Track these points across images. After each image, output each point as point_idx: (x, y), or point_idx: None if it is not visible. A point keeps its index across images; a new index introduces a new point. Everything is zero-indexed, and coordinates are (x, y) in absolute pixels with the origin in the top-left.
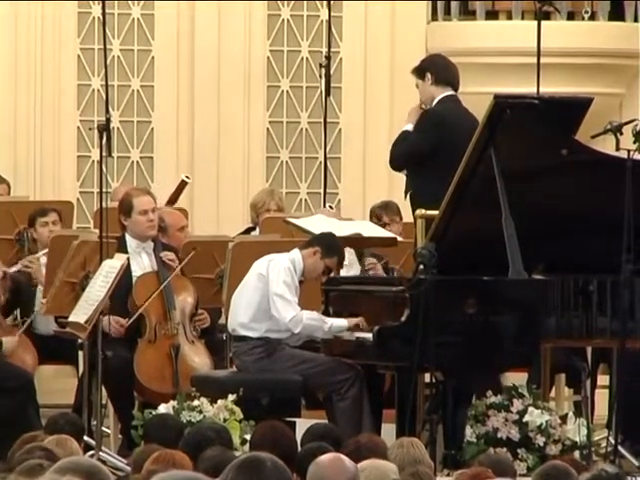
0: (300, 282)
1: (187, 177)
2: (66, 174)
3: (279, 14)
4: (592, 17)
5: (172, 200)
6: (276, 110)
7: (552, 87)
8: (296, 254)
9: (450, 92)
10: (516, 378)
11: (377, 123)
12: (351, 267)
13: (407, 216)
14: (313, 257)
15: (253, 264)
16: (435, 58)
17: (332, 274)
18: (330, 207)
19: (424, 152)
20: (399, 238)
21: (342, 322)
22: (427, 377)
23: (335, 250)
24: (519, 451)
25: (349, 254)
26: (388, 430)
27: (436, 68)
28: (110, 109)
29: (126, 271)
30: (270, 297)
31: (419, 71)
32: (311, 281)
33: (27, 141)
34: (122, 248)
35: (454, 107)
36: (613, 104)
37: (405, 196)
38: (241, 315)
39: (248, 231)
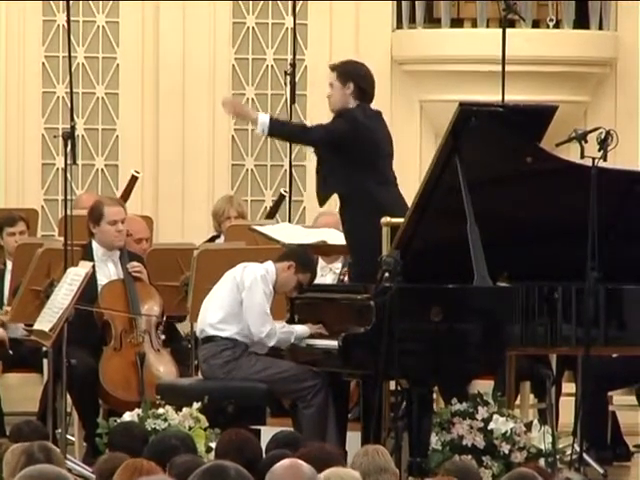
0: None
1: (137, 172)
2: (30, 182)
3: (244, 22)
4: (557, 25)
5: (124, 196)
6: None
7: (517, 95)
8: (269, 266)
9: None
10: (482, 386)
11: None
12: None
13: None
14: (287, 271)
15: (227, 272)
16: (363, 70)
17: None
18: (285, 191)
19: (340, 137)
20: None
21: (304, 329)
22: (392, 385)
23: (310, 266)
24: (484, 458)
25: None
26: (353, 438)
27: (360, 82)
28: (75, 117)
29: (91, 279)
30: (249, 307)
31: (343, 74)
32: (281, 295)
33: None
34: (88, 255)
35: (366, 112)
36: (578, 112)
37: (323, 203)
38: (211, 316)
39: (212, 239)
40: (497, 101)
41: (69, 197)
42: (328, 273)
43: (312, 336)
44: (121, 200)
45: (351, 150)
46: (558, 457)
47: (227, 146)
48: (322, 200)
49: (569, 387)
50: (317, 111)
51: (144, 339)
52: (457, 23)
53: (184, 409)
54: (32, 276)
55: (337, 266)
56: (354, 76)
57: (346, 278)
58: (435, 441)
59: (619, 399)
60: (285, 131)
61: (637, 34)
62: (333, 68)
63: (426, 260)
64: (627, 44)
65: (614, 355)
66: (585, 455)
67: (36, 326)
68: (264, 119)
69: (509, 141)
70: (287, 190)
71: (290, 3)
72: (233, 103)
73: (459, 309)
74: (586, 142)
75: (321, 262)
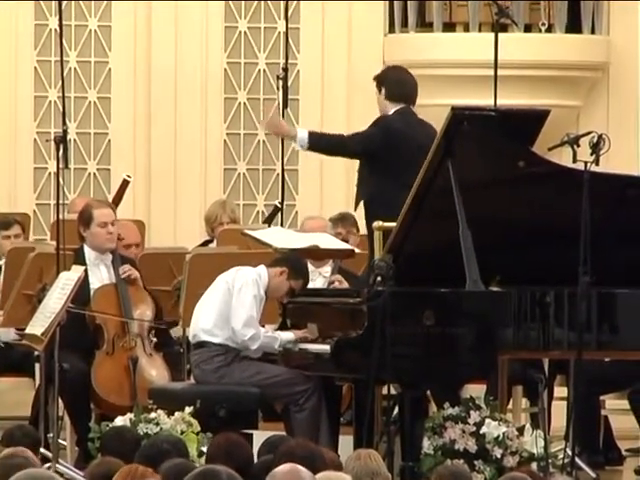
0: None
1: (128, 176)
2: (23, 186)
3: (236, 26)
4: (549, 29)
5: (115, 200)
6: (233, 122)
7: (509, 99)
8: (262, 270)
9: (403, 105)
10: (474, 390)
11: None
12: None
13: (363, 228)
14: (279, 277)
15: (219, 276)
16: (390, 72)
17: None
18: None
19: (374, 147)
20: (357, 250)
21: (289, 335)
22: (385, 389)
23: (302, 273)
24: (476, 463)
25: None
26: (346, 442)
27: (389, 83)
28: (67, 121)
29: (84, 283)
30: (235, 309)
31: (377, 82)
32: (272, 300)
33: None
34: (80, 259)
35: (404, 119)
36: (570, 116)
37: (355, 207)
38: (203, 321)
39: (205, 244)
40: (489, 105)
41: (61, 201)
42: (318, 277)
43: (302, 340)
44: (110, 202)
45: (382, 157)
46: (550, 461)
47: (219, 150)
48: (356, 203)
49: (561, 391)
50: (309, 115)
51: (136, 343)
52: (449, 27)
53: (176, 413)
54: (24, 280)
55: (326, 270)
56: (384, 80)
57: (336, 283)
58: (427, 445)
59: (611, 403)
60: (323, 144)
61: (629, 38)
62: (374, 78)
63: (418, 264)
64: (619, 48)
65: (606, 359)
66: (577, 459)
67: (28, 330)
68: (302, 134)
69: (501, 145)
70: (281, 202)
71: (282, 4)
72: (275, 123)
73: (451, 313)
74: (578, 146)
75: (310, 267)
